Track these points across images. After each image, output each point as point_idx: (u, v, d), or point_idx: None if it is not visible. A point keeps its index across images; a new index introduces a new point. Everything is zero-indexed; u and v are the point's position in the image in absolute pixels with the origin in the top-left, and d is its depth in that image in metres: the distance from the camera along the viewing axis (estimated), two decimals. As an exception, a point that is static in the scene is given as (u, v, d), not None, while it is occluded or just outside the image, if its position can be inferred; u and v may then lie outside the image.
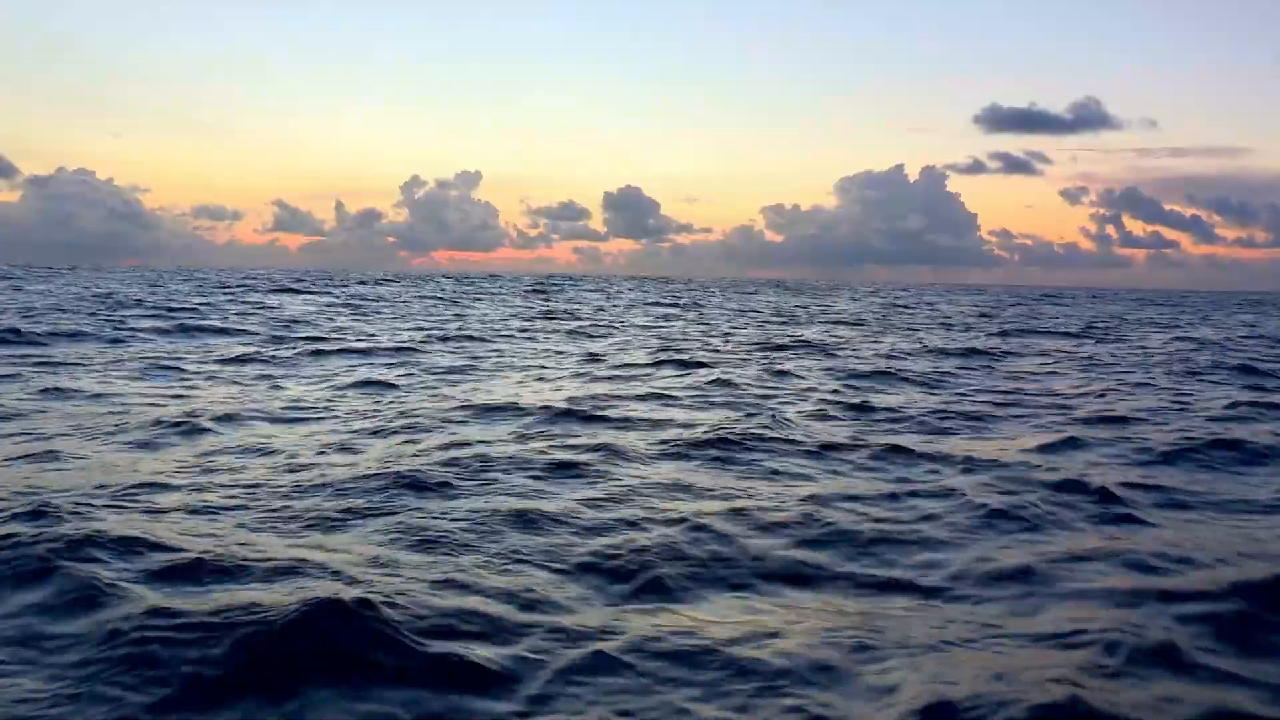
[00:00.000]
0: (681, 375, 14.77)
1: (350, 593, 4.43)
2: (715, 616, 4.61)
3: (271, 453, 8.13)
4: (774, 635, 4.34)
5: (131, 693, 3.67)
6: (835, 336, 24.71)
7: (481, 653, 4.05)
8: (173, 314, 25.58)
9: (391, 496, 6.59)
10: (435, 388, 12.88)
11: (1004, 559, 5.57)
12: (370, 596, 4.38)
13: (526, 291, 55.89)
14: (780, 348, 20.49)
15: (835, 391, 12.95)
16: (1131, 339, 26.08)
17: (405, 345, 18.84)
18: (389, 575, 4.88)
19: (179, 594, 4.53)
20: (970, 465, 8.11)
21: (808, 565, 5.44)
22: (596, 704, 3.72)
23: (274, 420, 9.88)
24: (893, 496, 7.00)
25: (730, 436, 8.94)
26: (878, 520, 6.34)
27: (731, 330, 26.68)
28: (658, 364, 16.44)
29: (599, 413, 10.37)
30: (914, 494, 7.08)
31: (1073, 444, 9.11)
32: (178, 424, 9.18)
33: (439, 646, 4.09)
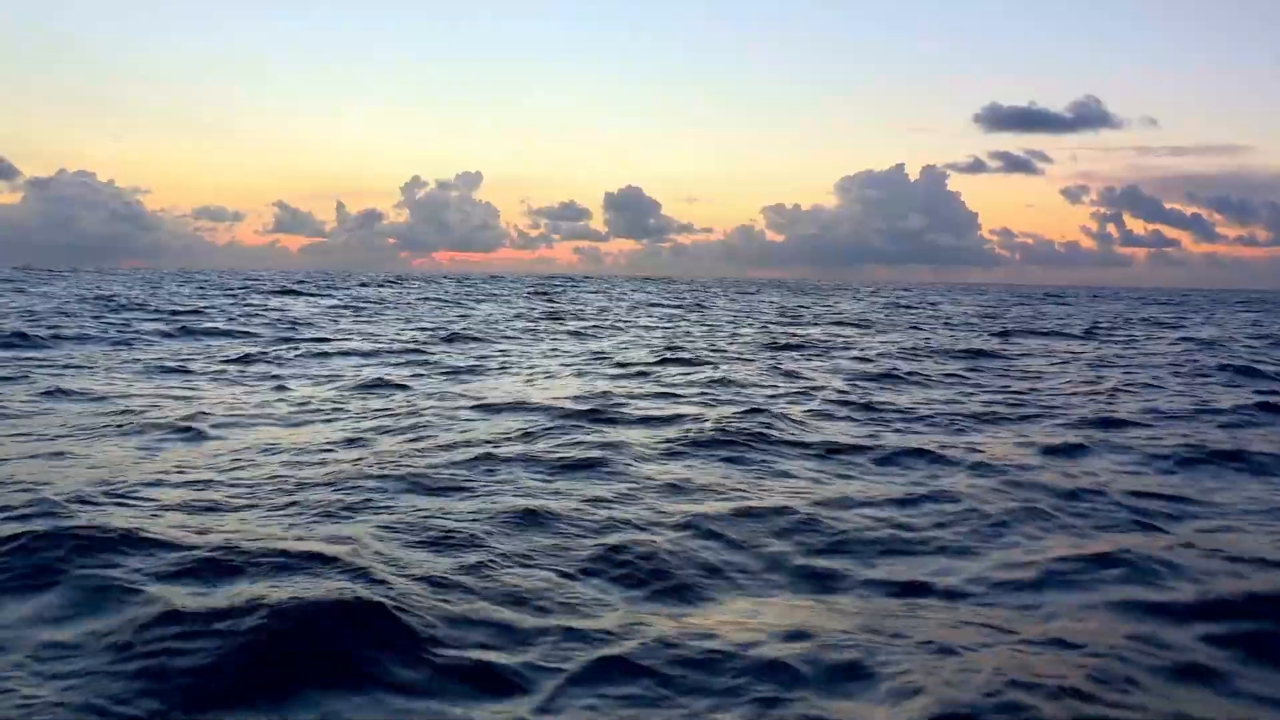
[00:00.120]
0: (687, 373, 14.74)
1: (359, 592, 4.40)
2: (728, 619, 4.57)
3: (279, 452, 8.10)
4: (787, 639, 4.29)
5: (137, 692, 3.65)
6: (840, 336, 24.67)
7: (490, 654, 4.02)
8: (176, 316, 25.57)
9: (399, 495, 6.55)
10: (443, 387, 12.85)
11: (1016, 563, 5.52)
12: (379, 597, 4.35)
13: (529, 293, 55.85)
14: (786, 347, 20.49)
15: (842, 391, 12.89)
16: (1138, 338, 26.01)
17: (411, 346, 18.81)
18: (398, 575, 4.83)
19: (186, 593, 4.50)
20: (981, 467, 8.06)
21: (819, 568, 5.40)
22: (608, 709, 3.68)
23: (280, 420, 9.85)
24: (903, 498, 6.95)
25: (738, 437, 8.90)
26: (889, 522, 6.29)
27: (736, 331, 26.63)
28: (663, 362, 16.42)
29: (607, 411, 10.34)
30: (925, 496, 7.01)
31: (1083, 447, 9.04)
32: (184, 424, 9.15)
33: (448, 648, 4.06)
